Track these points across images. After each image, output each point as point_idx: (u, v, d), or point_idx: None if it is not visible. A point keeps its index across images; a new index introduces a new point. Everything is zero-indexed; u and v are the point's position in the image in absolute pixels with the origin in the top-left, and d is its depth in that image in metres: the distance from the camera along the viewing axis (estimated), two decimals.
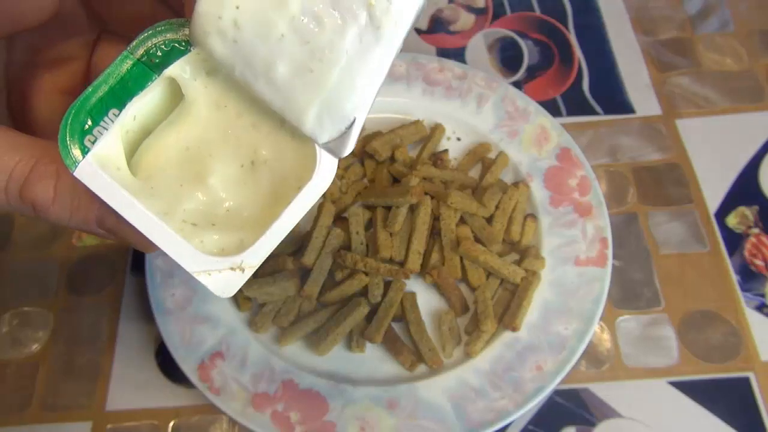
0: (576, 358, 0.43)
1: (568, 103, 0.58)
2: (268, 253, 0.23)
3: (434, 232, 0.49)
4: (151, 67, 0.22)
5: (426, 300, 0.48)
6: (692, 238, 0.51)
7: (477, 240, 0.48)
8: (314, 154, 0.23)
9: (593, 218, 0.48)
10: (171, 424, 0.45)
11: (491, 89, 0.55)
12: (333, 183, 0.50)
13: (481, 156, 0.53)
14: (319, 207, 0.49)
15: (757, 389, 0.45)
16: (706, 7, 0.64)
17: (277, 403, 0.43)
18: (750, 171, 0.54)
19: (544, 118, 0.53)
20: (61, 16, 0.26)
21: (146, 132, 0.24)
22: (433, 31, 0.64)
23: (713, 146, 0.55)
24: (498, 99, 0.54)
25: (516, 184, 0.50)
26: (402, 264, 0.47)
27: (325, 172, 0.23)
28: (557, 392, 0.45)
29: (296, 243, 0.49)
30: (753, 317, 0.48)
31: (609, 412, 0.45)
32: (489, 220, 0.49)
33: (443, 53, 0.62)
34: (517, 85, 0.59)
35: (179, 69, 0.22)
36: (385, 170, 0.52)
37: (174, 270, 0.47)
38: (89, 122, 0.22)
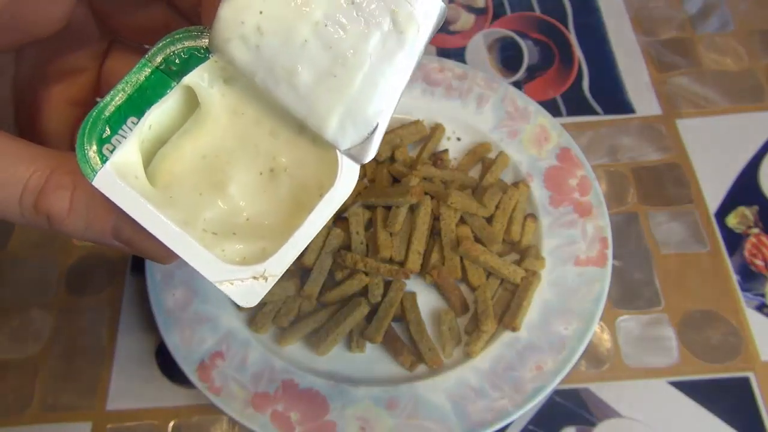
0: (576, 358, 0.43)
1: (568, 103, 0.58)
2: (291, 262, 0.22)
3: (434, 232, 0.49)
4: (170, 74, 0.22)
5: (426, 300, 0.48)
6: (692, 238, 0.51)
7: (477, 240, 0.48)
8: (336, 161, 0.22)
9: (593, 218, 0.48)
10: (171, 424, 0.45)
11: (491, 89, 0.55)
12: None
13: (481, 156, 0.53)
14: None
15: (757, 389, 0.45)
16: (706, 7, 0.64)
17: (277, 403, 0.43)
18: (750, 171, 0.54)
19: (544, 118, 0.53)
20: (70, 26, 0.26)
21: (160, 141, 0.23)
22: None
23: (713, 146, 0.55)
24: (498, 99, 0.54)
25: (516, 184, 0.50)
26: (402, 264, 0.47)
27: (347, 178, 0.22)
28: (557, 392, 0.45)
29: None
30: (753, 317, 0.48)
31: (609, 412, 0.45)
32: (489, 220, 0.49)
33: (443, 53, 0.62)
34: (517, 85, 0.59)
35: (197, 77, 0.22)
36: (385, 170, 0.52)
37: (174, 270, 0.47)
38: (107, 131, 0.21)
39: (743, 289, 0.49)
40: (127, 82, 0.22)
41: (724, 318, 0.48)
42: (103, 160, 0.21)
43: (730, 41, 0.62)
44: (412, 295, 0.47)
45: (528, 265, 0.47)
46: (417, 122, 0.53)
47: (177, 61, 0.22)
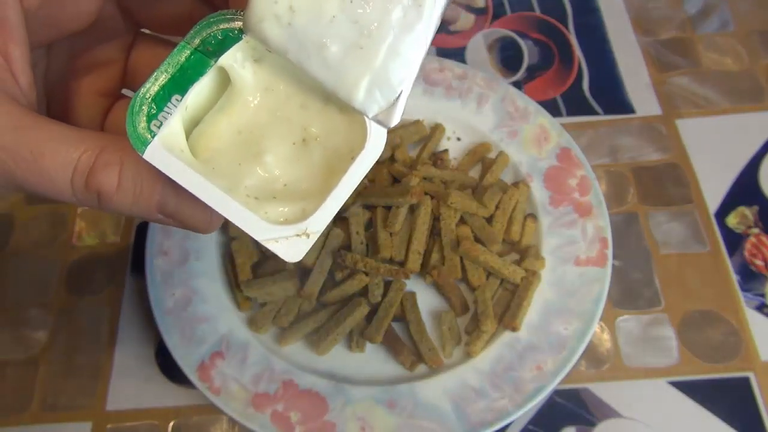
0: (576, 358, 0.43)
1: (568, 103, 0.58)
2: (330, 219, 0.24)
3: (434, 232, 0.49)
4: (207, 55, 0.24)
5: (426, 300, 0.48)
6: (692, 238, 0.51)
7: (477, 240, 0.48)
8: (364, 127, 0.24)
9: (593, 218, 0.48)
10: (171, 424, 0.45)
11: (491, 89, 0.55)
12: None
13: (482, 156, 0.53)
14: None
15: (757, 389, 0.45)
16: (706, 7, 0.64)
17: (277, 403, 0.43)
18: (750, 171, 0.54)
19: (544, 118, 0.53)
20: (99, 21, 0.27)
21: (194, 121, 0.25)
22: None
23: (713, 146, 0.55)
24: (498, 99, 0.54)
25: (516, 184, 0.50)
26: (402, 264, 0.47)
27: (376, 141, 0.24)
28: (557, 392, 0.45)
29: None
30: (753, 317, 0.48)
31: (609, 412, 0.45)
32: (489, 220, 0.49)
33: (443, 53, 0.62)
34: (517, 85, 0.59)
35: (231, 57, 0.24)
36: (385, 170, 0.52)
37: (174, 270, 0.47)
38: (154, 108, 0.23)
39: (743, 289, 0.49)
40: (169, 63, 0.23)
41: (724, 318, 0.48)
42: (152, 135, 0.23)
43: (730, 41, 0.62)
44: (412, 295, 0.47)
45: (528, 265, 0.47)
46: (417, 122, 0.53)
47: (213, 42, 0.24)
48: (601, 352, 0.47)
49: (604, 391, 0.45)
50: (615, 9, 0.64)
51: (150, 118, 0.23)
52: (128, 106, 0.23)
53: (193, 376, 0.44)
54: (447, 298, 0.47)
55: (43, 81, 0.28)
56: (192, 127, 0.25)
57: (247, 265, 0.48)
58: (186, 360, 0.44)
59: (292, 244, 0.23)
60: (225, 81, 0.25)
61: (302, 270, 0.47)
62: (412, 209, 0.48)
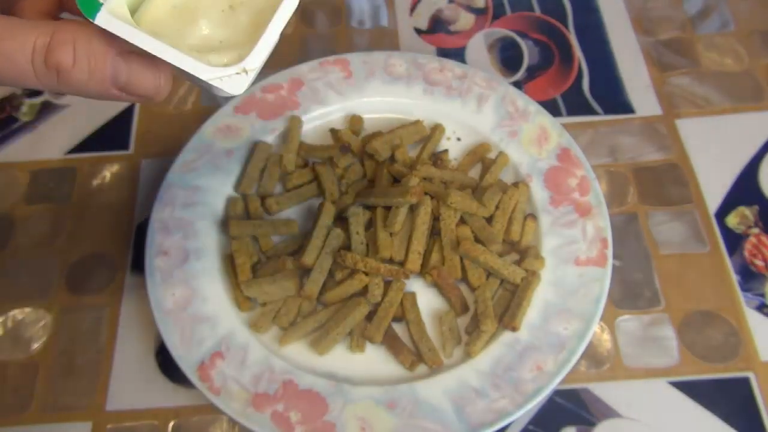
0: (576, 359, 0.43)
1: (568, 103, 0.58)
2: (265, 59, 0.28)
3: (434, 232, 0.49)
4: None
5: (426, 300, 0.48)
6: (692, 238, 0.51)
7: (477, 240, 0.48)
8: None
9: (593, 218, 0.48)
10: (171, 424, 0.45)
11: (491, 89, 0.55)
12: (333, 183, 0.51)
13: (481, 156, 0.53)
14: (319, 207, 0.49)
15: (757, 389, 0.45)
16: (706, 7, 0.64)
17: (277, 403, 0.43)
18: (750, 171, 0.54)
19: (544, 118, 0.53)
20: None
21: (134, 6, 0.28)
22: (433, 31, 0.64)
23: (713, 146, 0.55)
24: (498, 99, 0.54)
25: (516, 184, 0.50)
26: (402, 264, 0.47)
27: None
28: (557, 392, 0.45)
29: (296, 243, 0.49)
30: (753, 317, 0.48)
31: (609, 412, 0.45)
32: (489, 220, 0.49)
33: (443, 53, 0.62)
34: (517, 85, 0.59)
35: None
36: (385, 170, 0.52)
37: (173, 270, 0.47)
38: None
39: (743, 289, 0.49)
40: None
41: (724, 318, 0.48)
42: (100, 5, 0.25)
43: (730, 41, 0.62)
44: (412, 295, 0.47)
45: (528, 265, 0.47)
46: (417, 122, 0.53)
47: None
48: (601, 352, 0.47)
49: (604, 391, 0.45)
50: (615, 9, 0.64)
51: None
52: None
53: (193, 376, 0.44)
54: (447, 298, 0.47)
55: None
56: (134, 11, 0.28)
57: (247, 265, 0.48)
58: (186, 360, 0.44)
59: (234, 81, 0.27)
60: None
61: (302, 270, 0.48)
62: (412, 209, 0.48)
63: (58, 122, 0.60)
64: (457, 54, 0.62)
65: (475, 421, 0.42)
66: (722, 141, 0.55)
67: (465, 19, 0.65)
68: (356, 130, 0.54)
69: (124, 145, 0.58)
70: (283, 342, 0.46)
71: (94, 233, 0.53)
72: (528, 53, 0.62)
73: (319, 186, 0.52)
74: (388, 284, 0.47)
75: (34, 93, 0.62)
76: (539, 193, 0.50)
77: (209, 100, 0.60)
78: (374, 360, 0.46)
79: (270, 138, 0.54)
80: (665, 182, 0.53)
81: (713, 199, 0.52)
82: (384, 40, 0.63)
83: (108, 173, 0.56)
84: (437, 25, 0.65)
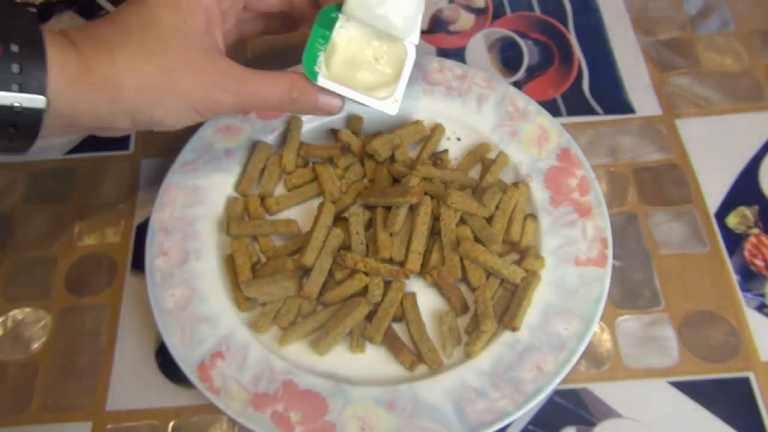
0: (576, 359, 0.43)
1: (568, 103, 0.58)
2: (402, 90, 0.46)
3: (434, 232, 0.49)
4: (326, 27, 0.45)
5: (426, 300, 0.48)
6: (692, 238, 0.51)
7: (477, 240, 0.48)
8: (404, 46, 0.46)
9: (593, 218, 0.48)
10: (171, 424, 0.45)
11: (491, 89, 0.55)
12: (333, 183, 0.51)
13: (481, 156, 0.53)
14: (319, 207, 0.49)
15: (757, 389, 0.45)
16: (706, 7, 0.64)
17: (277, 403, 0.43)
18: (750, 171, 0.54)
19: (544, 118, 0.53)
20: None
21: (328, 60, 0.45)
22: (433, 31, 0.64)
23: (713, 146, 0.55)
24: (498, 99, 0.54)
25: (516, 184, 0.50)
26: (402, 264, 0.47)
27: (411, 51, 0.46)
28: (557, 392, 0.45)
29: (296, 243, 0.49)
30: (753, 317, 0.48)
31: (609, 413, 0.45)
32: (489, 220, 0.49)
33: (443, 53, 0.62)
34: (517, 85, 0.59)
35: (337, 24, 0.45)
36: (385, 170, 0.52)
37: (174, 270, 0.47)
38: (310, 61, 0.45)
39: (743, 289, 0.49)
40: (312, 36, 0.45)
41: (724, 318, 0.48)
42: (316, 73, 0.44)
43: (730, 41, 0.62)
44: (412, 295, 0.47)
45: (528, 266, 0.47)
46: (417, 123, 0.53)
47: (327, 20, 0.45)
48: (601, 352, 0.47)
49: (604, 391, 0.45)
50: (615, 9, 0.64)
51: (312, 64, 0.44)
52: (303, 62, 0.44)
53: (193, 377, 0.44)
54: (447, 299, 0.47)
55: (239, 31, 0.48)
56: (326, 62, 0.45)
57: (247, 265, 0.48)
58: (186, 360, 0.44)
59: (391, 107, 0.46)
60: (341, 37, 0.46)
61: (302, 270, 0.48)
62: (412, 209, 0.48)
63: None
64: (457, 54, 0.62)
65: (475, 421, 0.42)
66: (722, 141, 0.55)
67: (465, 19, 0.65)
68: (356, 130, 0.54)
69: (124, 145, 0.58)
70: (283, 342, 0.46)
71: (94, 233, 0.53)
72: (528, 53, 0.62)
73: (319, 186, 0.52)
74: (388, 284, 0.47)
75: None
76: (539, 193, 0.50)
77: None
78: (374, 360, 0.46)
79: (270, 138, 0.54)
80: (665, 182, 0.53)
81: (713, 199, 0.52)
82: None
83: (108, 173, 0.56)
84: (437, 25, 0.65)
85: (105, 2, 0.68)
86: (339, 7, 0.46)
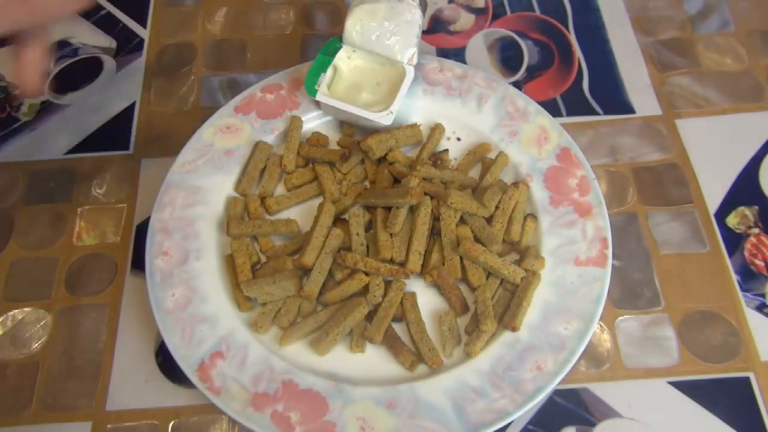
0: (576, 359, 0.43)
1: (568, 103, 0.58)
2: (399, 107, 0.51)
3: (434, 232, 0.49)
4: (330, 56, 0.53)
5: (426, 300, 0.48)
6: (692, 238, 0.51)
7: (477, 240, 0.48)
8: (403, 69, 0.53)
9: (593, 218, 0.48)
10: (171, 424, 0.45)
11: (491, 89, 0.55)
12: (333, 183, 0.51)
13: (481, 156, 0.53)
14: (319, 207, 0.49)
15: (757, 389, 0.45)
16: (706, 7, 0.64)
17: (277, 403, 0.43)
18: (750, 171, 0.54)
19: (544, 118, 0.53)
20: None
21: (328, 85, 0.54)
22: (433, 31, 0.64)
23: (713, 146, 0.55)
24: (498, 99, 0.54)
25: (516, 184, 0.50)
26: (402, 264, 0.47)
27: (409, 72, 0.52)
28: (557, 392, 0.45)
29: (296, 243, 0.49)
30: (753, 317, 0.48)
31: (609, 412, 0.45)
32: (489, 220, 0.49)
33: (443, 53, 0.62)
34: (517, 85, 0.59)
35: (339, 56, 0.54)
36: (385, 171, 0.52)
37: (174, 270, 0.47)
38: (313, 79, 0.53)
39: (743, 289, 0.49)
40: (315, 62, 0.53)
41: (724, 318, 0.48)
42: (316, 91, 0.52)
43: (730, 41, 0.62)
44: (413, 295, 0.47)
45: (528, 265, 0.47)
46: (414, 126, 0.53)
47: (332, 50, 0.53)
48: (601, 352, 0.47)
49: (604, 391, 0.45)
50: (615, 9, 0.64)
51: (312, 83, 0.52)
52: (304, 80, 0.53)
53: (193, 376, 0.44)
54: (447, 299, 0.47)
55: None
56: (329, 85, 0.53)
57: (247, 265, 0.48)
58: (186, 360, 0.44)
59: (385, 116, 0.51)
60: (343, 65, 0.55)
61: (303, 270, 0.48)
62: (412, 210, 0.48)
63: (58, 122, 0.60)
64: (457, 54, 0.62)
65: (475, 421, 0.42)
66: (722, 141, 0.55)
67: (465, 19, 0.65)
68: (351, 132, 0.55)
69: (124, 145, 0.58)
70: (283, 342, 0.46)
71: (94, 233, 0.53)
72: (528, 53, 0.62)
73: (319, 186, 0.52)
74: (388, 284, 0.47)
75: None
76: (539, 193, 0.50)
77: (209, 101, 0.60)
78: (374, 360, 0.46)
79: (270, 138, 0.54)
80: (665, 182, 0.53)
81: (713, 199, 0.52)
82: None
83: (108, 173, 0.56)
84: (437, 25, 0.65)
85: (105, 2, 0.68)
86: (339, 39, 0.54)
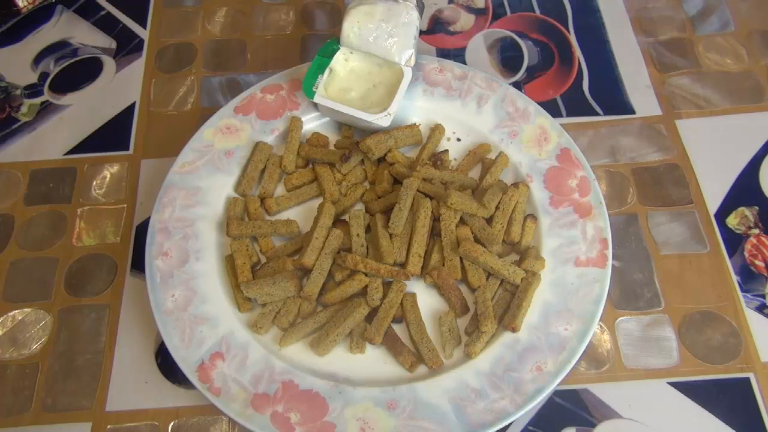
0: (576, 359, 0.43)
1: (568, 104, 0.58)
2: (397, 108, 0.51)
3: (434, 233, 0.49)
4: (328, 56, 0.54)
5: (426, 301, 0.48)
6: (692, 239, 0.51)
7: (477, 241, 0.48)
8: (401, 70, 0.53)
9: (593, 219, 0.48)
10: (171, 424, 0.45)
11: (491, 90, 0.55)
12: (333, 184, 0.51)
13: (482, 156, 0.53)
14: (319, 207, 0.49)
15: (757, 390, 0.45)
16: (706, 7, 0.64)
17: (277, 403, 0.43)
18: (750, 171, 0.54)
19: (544, 118, 0.53)
20: None
21: (325, 86, 0.54)
22: (433, 31, 0.64)
23: (713, 146, 0.55)
24: (498, 99, 0.54)
25: (516, 185, 0.50)
26: (402, 265, 0.47)
27: (407, 73, 0.52)
28: (557, 393, 0.45)
29: (296, 244, 0.49)
30: (753, 318, 0.48)
31: (609, 413, 0.45)
32: (489, 220, 0.49)
33: (443, 54, 0.62)
34: (517, 85, 0.59)
35: (335, 58, 0.54)
36: (386, 171, 0.52)
37: (174, 271, 0.47)
38: (311, 81, 0.53)
39: (743, 290, 0.49)
40: (313, 63, 0.54)
41: (724, 318, 0.48)
42: (313, 92, 0.53)
43: (730, 41, 0.62)
44: (413, 295, 0.47)
45: (528, 266, 0.47)
46: (413, 126, 0.53)
47: (329, 51, 0.54)
48: (601, 352, 0.47)
49: (604, 391, 0.45)
50: (615, 9, 0.64)
51: (310, 85, 0.53)
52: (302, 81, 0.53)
53: (192, 377, 0.44)
54: (447, 299, 0.47)
55: None
56: (326, 87, 0.53)
57: (246, 265, 0.48)
58: (186, 361, 0.44)
59: (383, 118, 0.51)
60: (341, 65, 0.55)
61: (303, 271, 0.47)
62: (412, 210, 0.48)
63: (58, 122, 0.60)
64: (457, 54, 0.62)
65: (474, 422, 0.42)
66: (722, 141, 0.55)
67: (465, 20, 0.65)
68: (349, 134, 0.55)
69: (124, 145, 0.58)
70: (283, 343, 0.46)
71: (94, 233, 0.53)
72: (528, 54, 0.62)
73: (319, 186, 0.52)
74: (388, 285, 0.47)
75: (34, 93, 0.62)
76: (539, 193, 0.50)
77: (209, 101, 0.60)
78: (374, 361, 0.46)
79: (270, 138, 0.54)
80: (665, 183, 0.53)
81: (713, 200, 0.52)
82: None
83: (108, 173, 0.56)
84: (437, 25, 0.65)
85: (105, 2, 0.68)
86: (336, 41, 0.54)
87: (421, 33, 0.64)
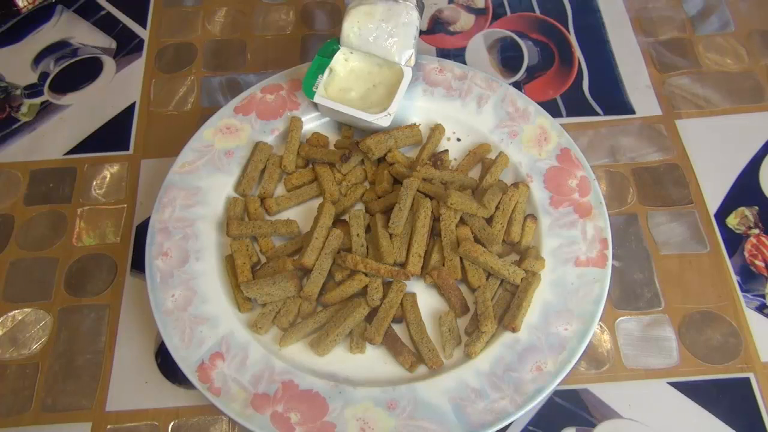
0: (576, 359, 0.43)
1: (568, 104, 0.58)
2: (397, 108, 0.51)
3: (434, 233, 0.49)
4: (328, 57, 0.54)
5: (426, 301, 0.48)
6: (692, 239, 0.51)
7: (477, 241, 0.48)
8: (401, 70, 0.53)
9: (593, 219, 0.48)
10: (171, 424, 0.45)
11: (491, 90, 0.55)
12: (333, 184, 0.50)
13: (482, 156, 0.53)
14: (319, 207, 0.49)
15: (757, 390, 0.45)
16: (706, 8, 0.64)
17: (277, 403, 0.43)
18: (750, 171, 0.54)
19: (544, 118, 0.53)
20: None
21: (326, 85, 0.54)
22: (433, 31, 0.64)
23: (713, 146, 0.55)
24: (498, 99, 0.54)
25: (516, 185, 0.50)
26: (402, 265, 0.47)
27: (407, 73, 0.52)
28: (557, 393, 0.45)
29: (296, 244, 0.49)
30: (753, 318, 0.48)
31: (609, 413, 0.45)
32: (489, 220, 0.49)
33: (443, 54, 0.62)
34: (517, 85, 0.59)
35: (335, 58, 0.54)
36: (386, 171, 0.52)
37: (174, 271, 0.47)
38: (311, 81, 0.53)
39: (743, 290, 0.49)
40: (313, 63, 0.54)
41: (724, 318, 0.48)
42: (313, 92, 0.53)
43: (730, 41, 0.62)
44: (413, 295, 0.47)
45: (528, 266, 0.47)
46: (412, 126, 0.53)
47: (329, 51, 0.54)
48: (601, 352, 0.47)
49: (604, 391, 0.45)
50: (615, 9, 0.64)
51: (310, 85, 0.53)
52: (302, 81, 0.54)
53: (192, 377, 0.44)
54: (447, 299, 0.47)
55: None
56: (325, 87, 0.53)
57: (246, 265, 0.48)
58: (186, 361, 0.44)
59: (383, 118, 0.51)
60: (341, 65, 0.55)
61: (303, 271, 0.47)
62: (412, 210, 0.48)
63: (58, 122, 0.60)
64: (457, 54, 0.62)
65: (475, 422, 0.42)
66: (722, 141, 0.55)
67: (465, 20, 0.65)
68: (349, 134, 0.55)
69: (124, 145, 0.58)
70: (283, 343, 0.46)
71: (94, 233, 0.53)
72: (528, 54, 0.62)
73: (319, 186, 0.52)
74: (388, 285, 0.47)
75: (34, 93, 0.62)
76: (539, 193, 0.50)
77: (209, 101, 0.60)
78: (374, 361, 0.46)
79: (270, 138, 0.54)
80: (665, 183, 0.53)
81: (713, 200, 0.52)
82: None
83: (108, 173, 0.56)
84: (437, 25, 0.65)
85: (105, 2, 0.68)
86: (336, 41, 0.54)
87: (421, 33, 0.64)
